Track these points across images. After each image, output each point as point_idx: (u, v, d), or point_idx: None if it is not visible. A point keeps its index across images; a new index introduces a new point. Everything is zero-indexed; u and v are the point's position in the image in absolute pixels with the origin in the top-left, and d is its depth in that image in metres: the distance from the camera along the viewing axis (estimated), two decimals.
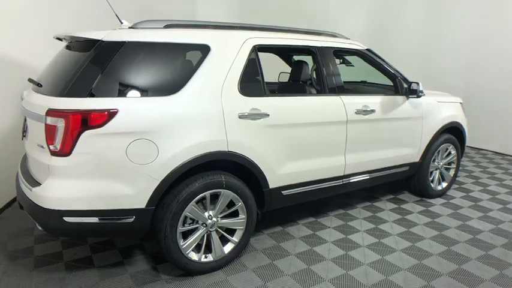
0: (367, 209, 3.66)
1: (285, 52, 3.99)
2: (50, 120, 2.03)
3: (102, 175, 2.10)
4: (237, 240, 2.62)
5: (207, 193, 2.40)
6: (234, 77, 2.48)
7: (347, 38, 3.29)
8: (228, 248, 2.60)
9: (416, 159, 3.66)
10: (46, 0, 3.67)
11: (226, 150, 2.40)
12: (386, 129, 3.31)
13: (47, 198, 2.08)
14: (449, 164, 4.06)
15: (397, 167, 3.52)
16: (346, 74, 4.16)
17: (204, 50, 2.42)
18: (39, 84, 2.30)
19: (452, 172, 4.09)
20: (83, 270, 2.54)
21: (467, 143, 4.93)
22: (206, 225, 2.47)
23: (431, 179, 3.89)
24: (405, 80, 3.48)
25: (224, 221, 2.55)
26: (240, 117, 2.45)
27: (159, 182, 2.20)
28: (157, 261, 2.66)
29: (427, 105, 3.61)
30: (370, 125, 3.17)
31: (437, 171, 3.96)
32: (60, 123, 2.01)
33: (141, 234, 2.30)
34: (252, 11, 6.35)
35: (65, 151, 2.03)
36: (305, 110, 2.78)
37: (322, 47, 2.99)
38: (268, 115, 2.57)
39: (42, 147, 2.12)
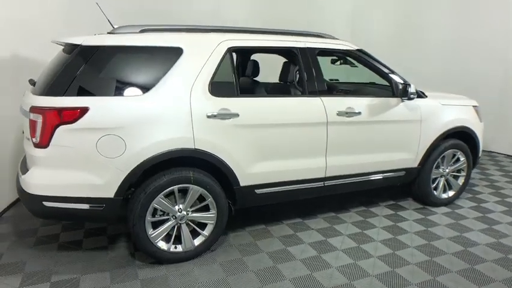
0: (360, 214, 3.59)
1: (271, 53, 3.95)
2: (32, 116, 2.32)
3: (75, 166, 2.35)
4: (207, 234, 2.74)
5: (175, 187, 2.55)
6: (205, 78, 2.61)
7: (335, 39, 3.25)
8: (198, 240, 2.73)
9: (414, 164, 3.50)
10: (60, 5, 4.02)
11: (193, 147, 2.53)
12: (376, 132, 3.22)
13: (30, 184, 2.37)
14: (458, 171, 3.82)
15: (390, 172, 3.40)
16: (354, 75, 4.12)
17: (177, 52, 2.58)
18: (34, 84, 2.62)
19: (461, 180, 3.84)
20: (71, 251, 2.83)
21: (487, 148, 4.58)
22: (176, 217, 2.62)
23: (433, 186, 3.69)
24: (403, 81, 3.36)
25: (195, 214, 2.69)
26: (209, 116, 2.57)
27: (126, 175, 2.40)
28: (137, 248, 2.87)
29: (427, 107, 3.45)
30: (356, 128, 3.11)
31: (443, 179, 3.74)
32: (39, 119, 2.28)
33: (112, 221, 2.51)
34: (273, 11, 6.38)
35: (43, 143, 2.30)
36: (278, 111, 2.82)
37: (303, 47, 3.00)
38: (238, 115, 2.66)
39: (29, 140, 2.41)
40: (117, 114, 2.37)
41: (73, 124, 2.29)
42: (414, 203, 3.87)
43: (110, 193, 2.41)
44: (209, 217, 2.73)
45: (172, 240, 2.65)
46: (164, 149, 2.46)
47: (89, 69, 2.39)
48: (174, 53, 2.57)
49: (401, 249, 2.93)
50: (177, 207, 2.62)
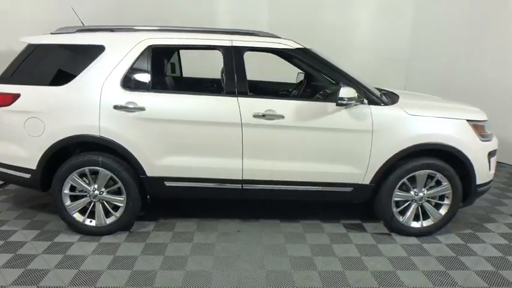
0: (306, 227, 3.30)
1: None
2: None
3: (10, 140, 2.93)
4: (118, 216, 3.02)
5: (86, 168, 2.91)
6: (119, 73, 2.86)
7: (274, 37, 3.06)
8: (110, 220, 3.04)
9: (365, 181, 3.03)
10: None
11: (98, 135, 2.83)
12: (306, 139, 2.93)
13: None
14: (441, 198, 3.12)
15: (331, 185, 3.04)
16: None
17: (99, 49, 2.90)
18: None
19: (444, 210, 3.13)
20: (36, 211, 3.48)
21: None
22: (90, 195, 2.98)
23: (397, 210, 3.11)
24: (358, 85, 2.97)
25: (106, 195, 2.99)
26: (115, 108, 2.83)
27: (43, 152, 2.86)
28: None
29: (382, 116, 2.94)
30: (279, 132, 2.90)
31: (414, 204, 3.12)
32: None
33: (38, 189, 3.02)
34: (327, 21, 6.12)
35: None
36: (188, 108, 2.87)
37: (228, 46, 2.95)
38: (144, 109, 2.83)
39: None
40: (40, 100, 2.85)
41: (9, 107, 2.86)
42: (383, 227, 3.33)
43: (33, 165, 2.91)
44: (119, 200, 2.99)
45: (86, 214, 3.02)
46: (72, 134, 2.83)
47: (28, 63, 2.92)
48: (97, 50, 2.90)
49: (301, 270, 2.64)
50: (91, 187, 2.97)
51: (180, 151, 2.93)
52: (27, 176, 2.95)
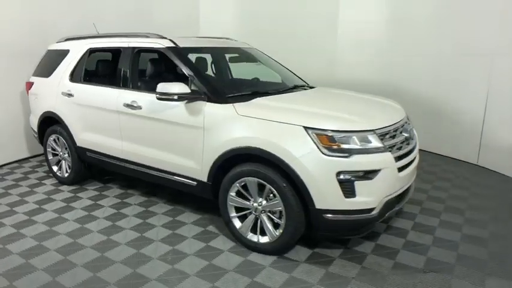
0: (169, 213, 3.52)
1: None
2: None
3: (33, 112, 4.58)
4: (69, 172, 4.21)
5: (54, 136, 4.23)
6: (69, 69, 4.00)
7: (161, 38, 3.38)
8: (66, 174, 4.26)
9: (203, 178, 3.00)
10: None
11: (54, 111, 4.07)
12: (155, 129, 3.20)
13: (29, 120, 4.85)
14: (280, 217, 2.71)
15: (178, 176, 3.18)
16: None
17: (67, 52, 4.13)
18: None
19: (279, 231, 2.70)
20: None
21: None
22: (58, 154, 4.31)
23: (234, 215, 2.91)
24: (203, 82, 3.02)
25: (66, 156, 4.23)
26: (62, 94, 3.99)
27: (37, 120, 4.35)
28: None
29: (213, 115, 2.85)
30: (138, 121, 3.31)
31: (252, 215, 2.82)
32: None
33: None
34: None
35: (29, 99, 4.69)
36: (91, 95, 3.70)
37: (126, 47, 3.54)
38: (73, 95, 3.87)
39: None
40: (38, 87, 4.36)
41: (30, 90, 4.51)
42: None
43: (36, 128, 4.46)
44: (69, 160, 4.17)
45: (57, 167, 4.35)
46: (44, 110, 4.20)
47: (42, 62, 4.49)
48: (65, 53, 4.14)
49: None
50: (60, 149, 4.28)
51: (90, 129, 3.81)
52: (36, 135, 4.55)
